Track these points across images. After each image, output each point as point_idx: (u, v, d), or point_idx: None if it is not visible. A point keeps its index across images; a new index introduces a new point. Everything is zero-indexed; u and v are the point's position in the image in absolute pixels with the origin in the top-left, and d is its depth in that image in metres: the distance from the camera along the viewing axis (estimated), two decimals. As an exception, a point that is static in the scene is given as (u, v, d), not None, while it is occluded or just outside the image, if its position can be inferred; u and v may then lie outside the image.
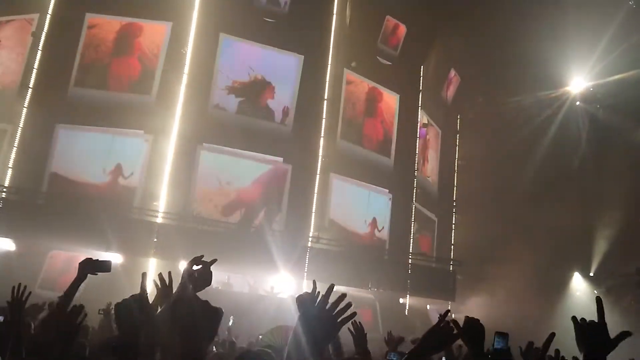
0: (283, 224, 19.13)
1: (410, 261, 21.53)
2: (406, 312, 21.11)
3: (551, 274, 21.33)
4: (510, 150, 22.58)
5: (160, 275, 2.79)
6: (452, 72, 25.71)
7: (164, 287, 2.74)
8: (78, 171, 18.15)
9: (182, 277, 2.26)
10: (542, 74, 21.80)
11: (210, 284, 2.43)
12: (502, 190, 22.31)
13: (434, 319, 19.52)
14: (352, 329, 3.86)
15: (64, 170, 18.13)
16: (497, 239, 21.16)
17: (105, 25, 19.51)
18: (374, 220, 21.54)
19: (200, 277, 2.34)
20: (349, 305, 1.89)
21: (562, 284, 22.13)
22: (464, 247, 23.74)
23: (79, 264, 2.92)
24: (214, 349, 5.76)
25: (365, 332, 3.94)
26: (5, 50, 20.14)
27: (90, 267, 2.94)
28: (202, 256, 2.40)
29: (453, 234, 25.23)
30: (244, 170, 19.50)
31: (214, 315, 1.78)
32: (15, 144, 17.97)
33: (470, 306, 21.23)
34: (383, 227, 21.72)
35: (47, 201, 17.43)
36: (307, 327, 1.85)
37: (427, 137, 25.03)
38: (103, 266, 3.10)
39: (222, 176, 19.04)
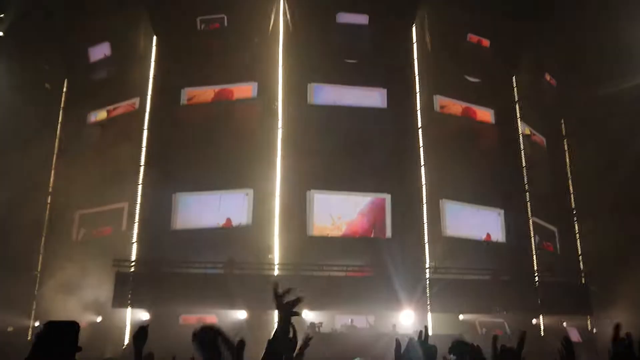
0: (391, 255, 18.95)
1: (536, 278, 20.45)
2: (541, 332, 19.94)
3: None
4: (625, 145, 21.10)
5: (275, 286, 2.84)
6: (547, 77, 24.71)
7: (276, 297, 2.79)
8: (197, 224, 19.31)
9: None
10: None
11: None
12: (624, 190, 20.78)
13: (573, 337, 18.32)
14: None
15: (185, 225, 19.34)
16: (628, 243, 19.64)
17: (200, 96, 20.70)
18: (488, 235, 20.88)
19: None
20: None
21: None
22: (592, 256, 22.20)
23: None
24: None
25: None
26: (115, 135, 21.76)
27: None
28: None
29: (579, 244, 23.68)
30: (350, 205, 19.87)
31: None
32: (136, 220, 19.22)
33: (613, 319, 19.67)
34: (497, 240, 20.96)
35: (171, 267, 18.33)
36: None
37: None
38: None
39: (333, 211, 19.59)
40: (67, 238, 20.52)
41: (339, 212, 19.71)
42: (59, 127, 22.80)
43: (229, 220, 19.27)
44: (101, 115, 22.43)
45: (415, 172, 19.98)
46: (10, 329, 19.08)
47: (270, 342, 2.08)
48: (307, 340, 2.39)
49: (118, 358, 13.56)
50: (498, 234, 21.15)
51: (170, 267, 18.40)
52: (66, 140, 22.34)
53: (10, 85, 20.55)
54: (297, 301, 2.37)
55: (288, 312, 2.25)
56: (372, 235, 19.55)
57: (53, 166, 22.14)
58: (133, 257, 18.68)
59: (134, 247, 19.03)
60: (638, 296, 18.95)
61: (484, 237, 20.84)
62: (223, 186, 19.39)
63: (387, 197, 19.79)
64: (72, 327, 1.72)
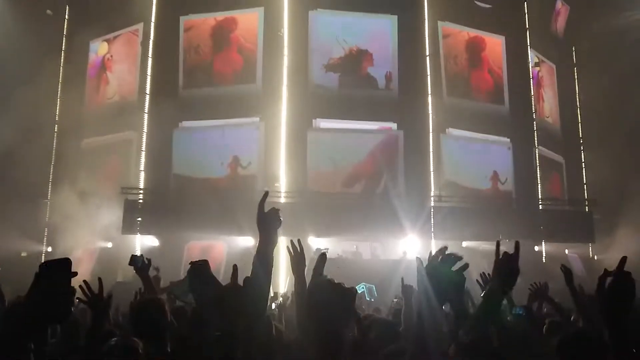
0: (403, 188, 19.02)
1: (540, 207, 20.61)
2: (543, 259, 20.31)
3: None
4: (635, 74, 20.67)
5: (291, 243, 2.84)
6: (559, 3, 23.96)
7: (296, 254, 2.80)
8: (199, 170, 19.20)
9: (316, 265, 2.32)
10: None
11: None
12: (633, 120, 20.52)
13: (575, 264, 18.66)
14: (480, 281, 3.83)
15: (185, 171, 19.26)
16: (633, 171, 19.59)
17: (201, 25, 20.26)
18: (495, 173, 20.77)
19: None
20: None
21: None
22: (597, 185, 22.22)
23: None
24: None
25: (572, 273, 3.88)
26: (118, 64, 21.59)
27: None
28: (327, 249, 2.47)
29: (584, 173, 23.70)
30: (356, 145, 19.49)
31: (348, 296, 1.79)
32: (143, 149, 19.32)
33: (615, 247, 19.91)
34: (507, 179, 20.89)
35: (177, 200, 18.59)
36: (430, 284, 1.90)
37: (540, 75, 23.60)
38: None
39: (336, 156, 19.15)
40: (75, 167, 20.69)
41: (343, 155, 19.24)
42: (62, 55, 22.52)
43: (235, 158, 18.99)
44: (102, 46, 22.09)
45: (424, 102, 19.77)
46: (24, 254, 19.65)
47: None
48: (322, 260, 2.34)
49: (128, 281, 13.96)
50: (507, 169, 21.08)
51: (175, 200, 18.62)
52: (70, 69, 22.11)
53: (11, 13, 20.13)
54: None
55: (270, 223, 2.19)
56: (383, 179, 19.25)
57: (59, 95, 22.03)
58: (141, 185, 18.90)
59: (142, 175, 19.20)
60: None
61: (490, 175, 20.76)
62: (230, 116, 19.24)
63: (400, 134, 19.55)
64: (64, 263, 1.80)
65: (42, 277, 1.79)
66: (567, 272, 4.67)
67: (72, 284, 1.81)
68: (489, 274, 3.83)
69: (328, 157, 19.16)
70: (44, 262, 1.86)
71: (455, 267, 1.88)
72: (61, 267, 1.81)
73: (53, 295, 1.75)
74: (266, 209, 2.15)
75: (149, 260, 4.75)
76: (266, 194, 2.24)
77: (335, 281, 1.90)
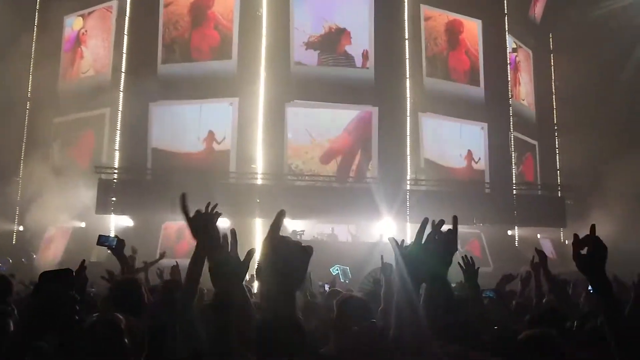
0: (376, 170, 19.18)
1: (514, 191, 20.92)
2: (516, 243, 20.66)
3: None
4: (610, 63, 20.97)
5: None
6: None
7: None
8: (176, 144, 19.23)
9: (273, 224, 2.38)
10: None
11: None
12: (607, 107, 20.82)
13: (546, 248, 18.97)
14: (462, 263, 3.80)
15: (164, 145, 19.24)
16: (605, 158, 19.91)
17: (180, 0, 20.02)
18: (469, 152, 21.12)
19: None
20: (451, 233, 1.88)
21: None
22: (570, 171, 22.60)
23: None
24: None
25: (477, 267, 3.88)
26: (93, 39, 21.22)
27: None
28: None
29: (558, 159, 24.07)
30: (333, 120, 19.76)
31: (305, 253, 1.83)
32: (118, 127, 19.06)
33: (585, 232, 20.25)
34: (480, 158, 21.26)
35: (154, 177, 18.45)
36: (405, 265, 1.91)
37: (518, 60, 23.83)
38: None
39: (312, 130, 19.38)
40: (48, 144, 20.36)
41: (319, 130, 19.52)
42: (35, 30, 22.02)
43: (210, 133, 19.12)
44: (77, 20, 21.65)
45: (401, 84, 19.84)
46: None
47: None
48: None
49: (103, 262, 13.85)
50: (480, 148, 21.39)
51: (153, 176, 18.50)
52: (43, 44, 21.64)
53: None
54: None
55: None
56: (358, 154, 19.59)
57: (31, 72, 21.58)
58: (116, 165, 18.67)
59: (116, 154, 18.96)
60: (611, 210, 19.48)
61: (464, 154, 21.10)
62: (206, 95, 19.13)
63: (375, 110, 19.73)
64: (65, 274, 1.79)
65: (42, 287, 1.78)
66: (542, 255, 4.75)
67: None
68: (471, 257, 3.88)
69: (306, 131, 19.36)
70: (45, 271, 1.85)
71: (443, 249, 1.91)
72: (62, 278, 1.81)
73: (53, 306, 1.75)
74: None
75: (122, 241, 4.71)
76: (183, 195, 2.21)
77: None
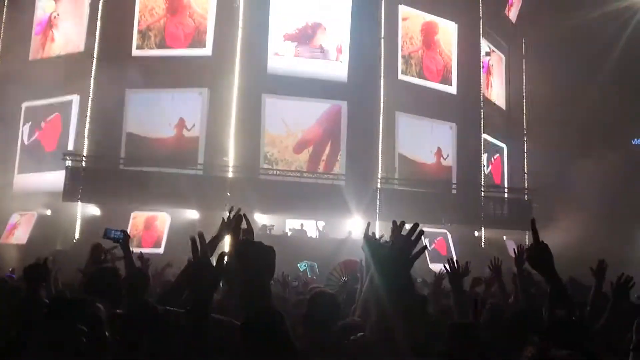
0: (344, 166, 19.39)
1: (482, 193, 21.23)
2: (482, 245, 20.96)
3: (635, 193, 20.34)
4: (580, 70, 21.39)
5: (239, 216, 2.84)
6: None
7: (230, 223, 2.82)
8: (149, 129, 19.16)
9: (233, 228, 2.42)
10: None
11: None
12: (575, 114, 21.25)
13: (511, 249, 19.25)
14: (447, 267, 3.84)
15: (138, 129, 19.12)
16: (572, 163, 20.34)
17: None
18: (439, 149, 21.51)
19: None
20: (418, 236, 1.90)
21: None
22: (537, 174, 23.04)
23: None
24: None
25: (463, 272, 3.94)
26: (64, 22, 20.82)
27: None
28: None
29: (526, 162, 24.51)
30: (307, 111, 20.01)
31: (270, 253, 1.88)
32: (88, 113, 18.69)
33: (550, 236, 20.63)
34: (448, 155, 21.64)
35: (125, 165, 18.19)
36: (376, 266, 1.93)
37: (490, 63, 24.20)
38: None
39: (287, 119, 19.62)
40: (15, 131, 19.93)
41: (294, 119, 19.72)
42: (4, 11, 21.48)
43: (181, 120, 19.06)
44: (49, 3, 21.20)
45: (375, 82, 19.96)
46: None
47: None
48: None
49: (68, 250, 13.64)
50: (449, 148, 21.68)
51: (125, 163, 18.29)
52: (14, 26, 21.13)
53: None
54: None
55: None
56: (328, 145, 19.80)
57: (-1, 54, 21.07)
58: (84, 152, 18.35)
59: (85, 142, 18.62)
60: (577, 214, 19.90)
61: (434, 151, 21.39)
62: (177, 84, 18.99)
63: (344, 104, 19.88)
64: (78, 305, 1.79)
65: (51, 316, 1.78)
66: (520, 254, 4.65)
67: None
68: (456, 260, 3.93)
69: (281, 121, 19.55)
70: (55, 297, 1.83)
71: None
72: (73, 309, 1.80)
73: (60, 338, 1.75)
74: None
75: (128, 235, 4.64)
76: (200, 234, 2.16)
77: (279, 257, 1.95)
